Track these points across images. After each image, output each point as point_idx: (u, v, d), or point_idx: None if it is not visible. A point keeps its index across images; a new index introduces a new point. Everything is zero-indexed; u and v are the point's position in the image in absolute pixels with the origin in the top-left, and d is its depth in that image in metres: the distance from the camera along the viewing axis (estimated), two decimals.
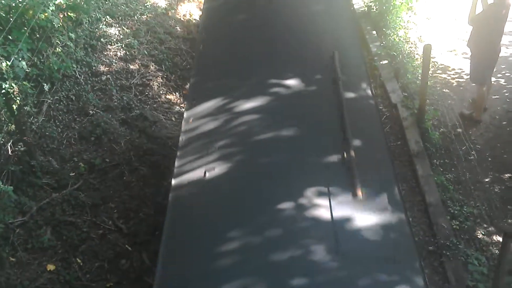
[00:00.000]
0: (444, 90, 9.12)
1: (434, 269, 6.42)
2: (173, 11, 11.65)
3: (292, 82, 5.64)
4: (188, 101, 6.00)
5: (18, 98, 6.59)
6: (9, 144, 6.93)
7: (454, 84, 9.29)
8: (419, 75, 8.44)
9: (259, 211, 4.36)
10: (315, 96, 5.52)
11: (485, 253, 6.48)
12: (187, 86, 9.78)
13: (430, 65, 8.25)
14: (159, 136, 8.53)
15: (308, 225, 4.20)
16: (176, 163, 5.07)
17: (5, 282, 5.82)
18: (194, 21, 11.91)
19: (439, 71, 9.60)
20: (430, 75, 8.57)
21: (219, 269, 3.98)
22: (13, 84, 6.42)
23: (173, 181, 4.89)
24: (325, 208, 4.26)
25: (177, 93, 9.59)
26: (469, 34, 8.18)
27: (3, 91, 6.32)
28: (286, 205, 4.34)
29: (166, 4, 11.52)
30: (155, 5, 11.25)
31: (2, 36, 6.85)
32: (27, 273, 6.01)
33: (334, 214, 4.21)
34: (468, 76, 8.65)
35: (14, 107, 6.58)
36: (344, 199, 4.34)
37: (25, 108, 7.11)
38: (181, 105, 9.38)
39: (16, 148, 6.98)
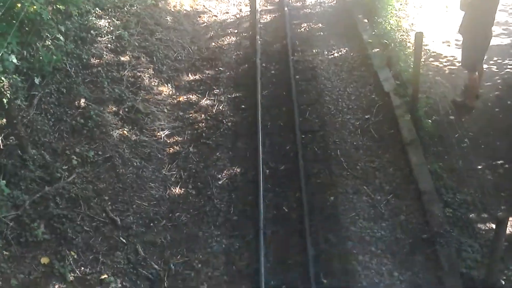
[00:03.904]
0: (437, 78, 9.11)
1: (428, 257, 6.44)
2: (163, 2, 11.57)
3: None
4: None
5: (9, 91, 6.52)
6: (0, 138, 6.88)
7: (447, 72, 9.28)
8: (412, 63, 8.43)
9: None
10: None
11: (478, 240, 6.50)
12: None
13: (422, 53, 8.23)
14: (151, 128, 8.50)
15: None
16: None
17: None
18: (184, 11, 11.86)
19: (431, 59, 9.59)
20: (423, 63, 8.55)
21: None
22: (3, 78, 6.35)
23: None
24: None
25: (169, 85, 9.54)
26: (461, 20, 8.16)
27: None
28: None
29: None
30: None
31: None
32: (21, 266, 5.97)
33: None
34: (460, 64, 8.65)
35: (5, 101, 6.49)
36: None
37: (15, 101, 7.02)
38: (173, 97, 9.34)
39: (8, 142, 6.93)
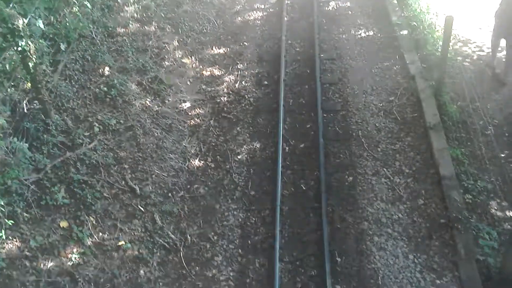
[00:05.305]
0: (464, 63, 8.95)
1: (445, 242, 6.40)
2: None
3: None
4: None
5: (34, 56, 6.58)
6: (24, 102, 6.95)
7: (475, 57, 9.12)
8: (439, 47, 8.29)
9: None
10: None
11: (497, 228, 6.44)
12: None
13: (452, 37, 8.07)
14: (173, 99, 8.51)
15: None
16: None
17: (19, 237, 5.90)
18: None
19: (460, 44, 9.42)
20: (451, 47, 8.39)
21: None
22: (29, 42, 6.40)
23: None
24: None
25: (192, 57, 9.52)
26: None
27: (20, 48, 6.30)
28: None
29: None
30: None
31: None
32: (40, 229, 6.08)
33: None
34: (490, 50, 8.51)
35: (30, 65, 6.57)
36: None
37: (41, 66, 7.09)
38: (196, 70, 9.32)
39: (32, 106, 6.99)
